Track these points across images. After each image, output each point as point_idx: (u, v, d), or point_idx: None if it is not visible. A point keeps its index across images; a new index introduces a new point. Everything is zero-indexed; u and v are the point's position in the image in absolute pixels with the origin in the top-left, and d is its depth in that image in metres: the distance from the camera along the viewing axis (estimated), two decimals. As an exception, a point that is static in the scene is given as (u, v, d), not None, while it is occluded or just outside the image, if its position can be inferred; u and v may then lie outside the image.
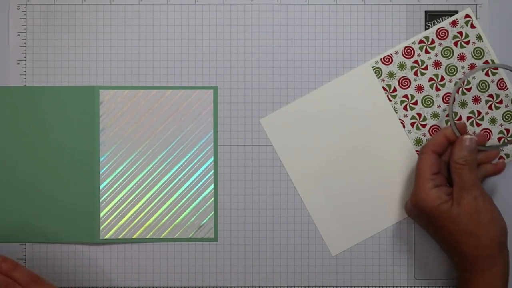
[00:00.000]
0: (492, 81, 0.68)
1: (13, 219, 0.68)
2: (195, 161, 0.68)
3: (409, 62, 0.68)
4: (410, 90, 0.68)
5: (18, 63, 0.69)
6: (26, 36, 0.69)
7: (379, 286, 0.69)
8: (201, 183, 0.68)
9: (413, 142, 0.69)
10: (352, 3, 0.69)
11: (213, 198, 0.69)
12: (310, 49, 0.69)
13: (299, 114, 0.69)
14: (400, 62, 0.68)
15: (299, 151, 0.69)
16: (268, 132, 0.69)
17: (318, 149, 0.68)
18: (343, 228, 0.68)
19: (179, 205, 0.69)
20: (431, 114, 0.68)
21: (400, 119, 0.69)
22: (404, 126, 0.69)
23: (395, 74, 0.68)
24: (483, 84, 0.68)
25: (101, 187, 0.68)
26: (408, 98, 0.68)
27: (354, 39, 0.69)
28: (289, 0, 0.69)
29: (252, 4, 0.69)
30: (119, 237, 0.68)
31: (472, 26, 0.68)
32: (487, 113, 0.68)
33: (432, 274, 0.69)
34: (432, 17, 0.68)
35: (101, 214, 0.68)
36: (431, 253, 0.69)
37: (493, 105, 0.68)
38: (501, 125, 0.68)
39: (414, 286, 0.69)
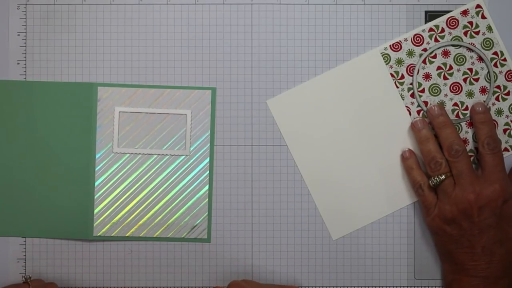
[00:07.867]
0: (501, 72, 0.68)
1: (11, 213, 0.67)
2: (191, 161, 0.68)
3: (418, 50, 0.68)
4: (418, 78, 0.68)
5: (18, 63, 0.69)
6: (26, 36, 0.69)
7: (379, 286, 0.68)
8: (196, 183, 0.68)
9: None
10: (352, 3, 0.69)
11: (207, 199, 0.68)
12: (310, 49, 0.68)
13: (305, 97, 0.68)
14: (409, 49, 0.68)
15: (304, 134, 0.68)
16: (274, 114, 0.68)
17: (323, 133, 0.68)
18: (345, 213, 0.68)
19: (173, 204, 0.68)
20: (437, 103, 0.68)
21: (406, 106, 0.68)
22: (410, 114, 0.68)
23: (403, 61, 0.68)
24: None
25: (96, 184, 0.67)
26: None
27: (354, 39, 0.68)
28: (289, 0, 0.69)
29: (252, 4, 0.69)
30: (112, 234, 0.68)
31: (483, 17, 0.68)
32: (493, 104, 0.68)
33: (432, 274, 0.68)
34: (432, 17, 0.68)
35: (95, 211, 0.67)
36: (431, 253, 0.68)
37: (500, 97, 0.68)
38: (507, 116, 0.68)
39: (414, 286, 0.68)
